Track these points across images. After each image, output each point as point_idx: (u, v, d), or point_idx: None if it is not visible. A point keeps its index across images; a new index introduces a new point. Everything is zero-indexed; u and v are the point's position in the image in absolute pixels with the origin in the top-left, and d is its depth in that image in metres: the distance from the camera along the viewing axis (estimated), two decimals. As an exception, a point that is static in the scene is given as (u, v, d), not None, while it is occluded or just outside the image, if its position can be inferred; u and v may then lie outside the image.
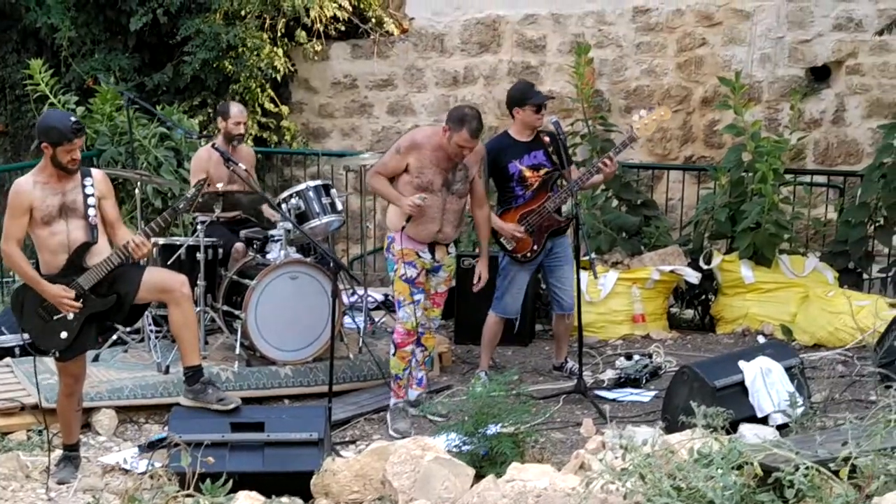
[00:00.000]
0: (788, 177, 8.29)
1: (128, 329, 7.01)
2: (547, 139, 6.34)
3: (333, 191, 6.92)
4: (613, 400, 6.26)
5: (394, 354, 6.03)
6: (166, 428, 5.62)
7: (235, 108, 7.27)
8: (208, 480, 4.23)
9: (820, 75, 9.67)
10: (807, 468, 3.35)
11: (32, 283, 5.02)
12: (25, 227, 5.00)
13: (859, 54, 9.47)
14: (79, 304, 5.00)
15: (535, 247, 6.43)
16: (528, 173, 6.38)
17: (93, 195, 5.06)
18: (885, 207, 7.64)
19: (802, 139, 8.97)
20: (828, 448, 3.54)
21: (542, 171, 6.38)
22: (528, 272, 6.55)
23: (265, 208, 7.34)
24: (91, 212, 5.04)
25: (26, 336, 6.53)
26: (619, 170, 7.83)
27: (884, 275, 8.06)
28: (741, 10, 9.63)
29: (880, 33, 8.49)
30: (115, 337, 6.82)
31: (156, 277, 5.20)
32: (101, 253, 5.06)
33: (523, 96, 6.40)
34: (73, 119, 4.98)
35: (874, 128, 9.12)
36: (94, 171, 5.20)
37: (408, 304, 5.93)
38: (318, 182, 6.92)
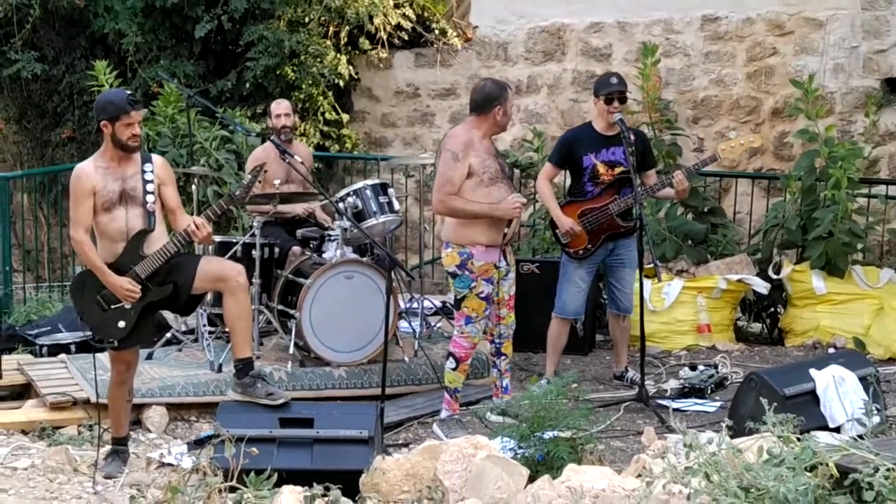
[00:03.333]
0: (863, 188, 8.00)
1: (182, 329, 6.98)
2: (633, 137, 6.12)
3: (391, 190, 6.81)
4: (677, 409, 6.02)
5: (454, 368, 5.82)
6: (216, 426, 5.53)
7: (274, 103, 7.38)
8: (252, 474, 4.10)
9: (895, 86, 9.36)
10: (888, 469, 3.12)
11: (99, 273, 4.96)
12: (91, 213, 4.95)
13: (938, 65, 9.15)
14: (138, 295, 4.93)
15: (590, 245, 6.27)
16: (601, 169, 6.23)
17: (152, 181, 5.02)
18: (964, 219, 7.33)
19: (876, 147, 8.65)
20: (909, 450, 3.31)
21: (616, 170, 6.20)
22: (585, 271, 6.37)
23: (318, 212, 7.26)
24: (149, 198, 5.00)
25: (84, 333, 6.56)
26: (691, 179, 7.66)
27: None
28: (814, 18, 9.35)
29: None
30: (168, 335, 6.77)
31: (213, 266, 5.12)
32: (158, 241, 5.01)
33: (598, 86, 6.31)
34: (128, 92, 4.98)
35: (951, 141, 8.80)
36: (154, 156, 5.17)
37: (479, 321, 5.74)
38: (376, 181, 6.84)
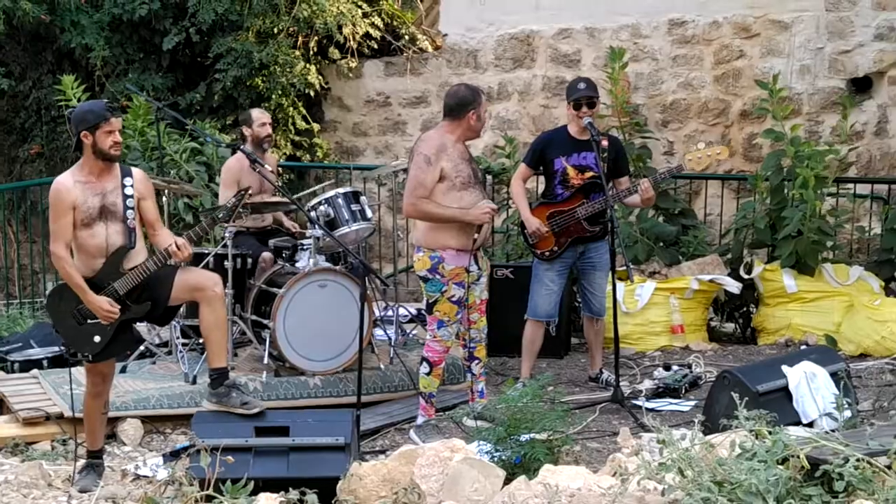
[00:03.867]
0: (830, 187, 8.08)
1: (156, 342, 6.95)
2: (606, 143, 6.19)
3: (363, 198, 6.81)
4: (652, 410, 6.05)
5: (428, 373, 5.81)
6: (191, 437, 5.50)
7: (256, 111, 7.31)
8: (229, 483, 4.09)
9: (861, 86, 9.45)
10: (857, 460, 3.15)
11: (78, 291, 4.91)
12: (71, 227, 4.89)
13: (902, 64, 9.25)
14: (116, 316, 4.91)
15: (555, 247, 6.33)
16: (571, 173, 6.29)
17: (132, 196, 4.97)
18: (932, 215, 7.41)
19: (853, 149, 8.74)
20: (879, 441, 3.34)
21: (586, 174, 6.26)
22: (555, 273, 6.41)
23: (285, 220, 7.26)
24: (130, 214, 4.96)
25: (58, 348, 6.53)
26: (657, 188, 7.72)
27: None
28: (779, 20, 9.44)
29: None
30: (142, 348, 6.74)
31: (190, 276, 5.09)
32: (137, 256, 4.98)
33: (568, 91, 6.38)
34: (105, 101, 4.95)
35: (920, 139, 8.91)
36: (134, 170, 5.12)
37: (451, 324, 5.73)
38: (348, 189, 6.83)
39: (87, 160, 4.94)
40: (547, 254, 6.37)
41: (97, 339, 4.98)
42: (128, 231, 4.96)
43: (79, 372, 5.55)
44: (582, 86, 6.32)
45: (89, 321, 4.96)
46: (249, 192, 5.34)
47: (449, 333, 5.74)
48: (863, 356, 6.91)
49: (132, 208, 4.97)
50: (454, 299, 5.65)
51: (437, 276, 5.63)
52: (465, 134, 5.66)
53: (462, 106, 5.61)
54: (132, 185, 4.99)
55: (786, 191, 7.53)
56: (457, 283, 5.63)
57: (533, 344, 6.49)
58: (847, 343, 7.06)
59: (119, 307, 4.93)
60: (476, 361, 5.94)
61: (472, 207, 5.58)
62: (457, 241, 5.59)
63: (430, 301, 5.73)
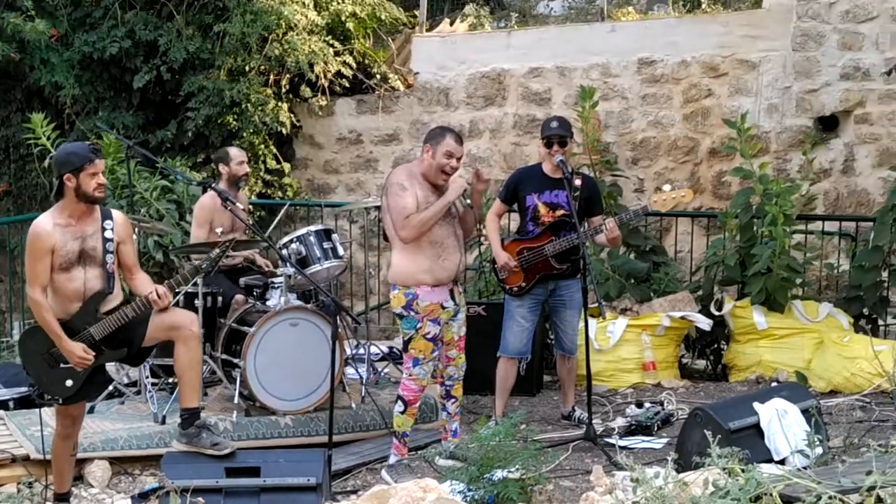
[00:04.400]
0: (799, 224, 8.16)
1: (125, 381, 6.88)
2: (579, 182, 6.23)
3: (335, 236, 6.80)
4: (624, 447, 6.04)
5: (402, 412, 5.77)
6: (160, 478, 5.44)
7: (234, 150, 7.27)
8: (199, 524, 4.05)
9: (828, 125, 9.57)
10: (830, 498, 3.16)
11: (54, 337, 4.84)
12: (49, 271, 4.82)
13: (867, 103, 9.37)
14: (91, 362, 4.85)
15: (523, 283, 6.35)
16: (542, 210, 6.32)
17: (112, 240, 4.92)
18: (898, 251, 7.49)
19: (812, 185, 8.84)
20: (851, 478, 3.35)
21: (557, 212, 6.29)
22: (526, 309, 6.41)
23: (258, 258, 7.24)
24: (109, 258, 4.91)
25: (26, 388, 6.43)
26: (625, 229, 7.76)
27: (900, 321, 7.87)
28: (747, 60, 9.57)
29: (888, 73, 8.40)
30: (110, 388, 6.66)
31: (165, 315, 5.03)
32: (114, 301, 4.93)
33: (541, 129, 6.43)
34: (88, 143, 4.90)
35: (884, 177, 9.00)
36: (115, 213, 5.07)
37: (427, 362, 5.69)
38: (320, 227, 6.82)
39: (69, 203, 4.87)
40: (515, 289, 6.38)
41: (69, 383, 4.92)
42: (106, 275, 4.92)
43: (47, 412, 5.48)
44: (554, 124, 6.37)
45: (62, 365, 4.90)
46: (231, 244, 5.31)
47: (424, 372, 5.71)
48: (833, 393, 6.93)
49: (111, 252, 4.93)
50: (429, 336, 5.63)
51: (412, 313, 5.61)
52: (424, 170, 5.62)
53: (424, 141, 5.69)
54: (112, 229, 4.95)
55: (755, 228, 7.59)
56: (431, 319, 5.61)
57: (506, 381, 6.47)
58: (817, 380, 7.09)
59: (93, 353, 4.87)
60: (452, 400, 5.92)
61: (448, 189, 5.57)
62: (431, 276, 5.58)
63: (406, 339, 5.71)
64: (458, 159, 5.64)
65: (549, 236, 6.28)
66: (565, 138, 6.33)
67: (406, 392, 5.74)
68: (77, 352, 4.82)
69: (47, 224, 4.85)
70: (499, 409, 6.46)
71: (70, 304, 4.89)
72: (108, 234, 4.92)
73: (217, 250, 5.14)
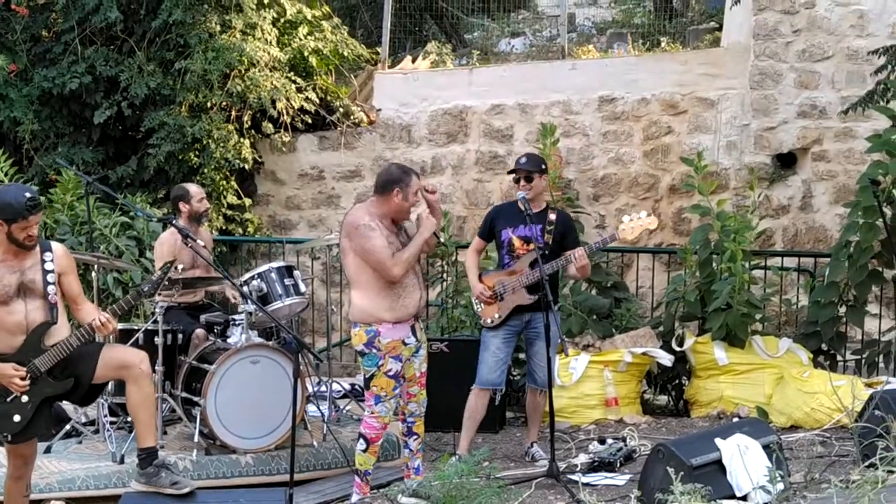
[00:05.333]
0: (758, 260, 8.24)
1: (82, 420, 6.78)
2: (553, 217, 6.38)
3: (297, 272, 6.76)
4: (587, 484, 6.02)
5: (364, 450, 5.70)
6: (119, 519, 5.35)
7: (194, 187, 7.24)
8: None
9: (786, 162, 9.73)
10: (792, 534, 3.17)
11: None
12: None
13: (824, 141, 9.55)
14: (27, 384, 4.77)
15: (497, 315, 6.38)
16: (517, 243, 6.41)
17: (52, 271, 4.87)
18: (854, 287, 7.56)
19: (763, 219, 8.95)
20: (812, 514, 3.36)
21: (530, 246, 6.33)
22: (501, 340, 6.43)
23: (228, 290, 7.19)
24: (51, 290, 4.85)
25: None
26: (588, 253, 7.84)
27: (857, 356, 7.93)
28: (706, 98, 9.72)
29: (845, 112, 8.55)
30: (68, 428, 6.57)
31: (115, 354, 4.99)
32: (59, 332, 4.86)
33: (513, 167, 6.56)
34: (28, 195, 4.79)
35: (841, 213, 9.13)
36: (54, 244, 5.01)
37: (388, 400, 5.65)
38: (281, 263, 6.78)
39: (3, 241, 4.82)
40: (490, 322, 6.42)
41: (17, 418, 4.84)
42: (49, 307, 4.86)
43: (2, 452, 5.38)
44: (523, 160, 6.51)
45: (7, 399, 4.82)
46: (176, 265, 5.26)
47: (386, 409, 5.67)
48: (793, 428, 6.96)
49: (53, 283, 4.87)
50: (391, 374, 5.61)
51: (374, 351, 5.59)
52: (391, 212, 5.64)
53: (389, 183, 5.63)
54: (52, 261, 4.90)
55: (714, 264, 7.65)
56: (393, 356, 5.59)
57: (475, 413, 6.47)
58: (778, 415, 7.13)
59: (24, 372, 4.78)
60: (414, 437, 5.88)
61: (421, 220, 5.65)
62: (392, 313, 5.56)
63: (367, 376, 5.68)
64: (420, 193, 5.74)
65: (523, 269, 6.34)
66: (531, 174, 6.40)
67: (368, 430, 5.71)
68: (7, 371, 4.74)
69: None
70: (463, 444, 6.43)
71: (13, 337, 4.83)
72: (48, 265, 4.88)
73: (159, 272, 5.10)
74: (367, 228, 5.53)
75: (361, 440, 5.71)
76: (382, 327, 5.56)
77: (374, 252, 5.50)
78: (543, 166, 6.54)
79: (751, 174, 9.06)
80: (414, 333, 5.69)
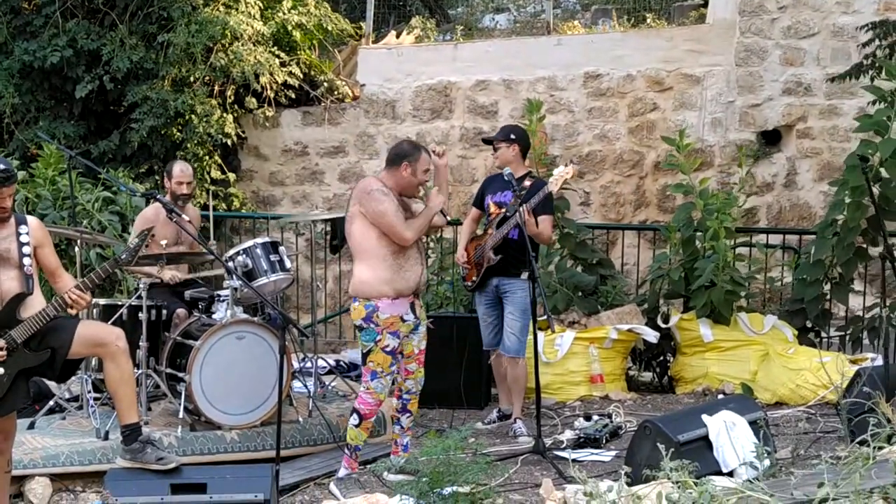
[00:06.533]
0: (742, 237, 8.25)
1: (66, 396, 6.73)
2: (527, 183, 6.59)
3: (282, 248, 6.71)
4: (573, 460, 6.01)
5: (357, 425, 5.69)
6: (104, 495, 5.33)
7: (177, 167, 7.09)
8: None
9: (771, 139, 9.72)
10: (782, 510, 3.17)
11: None
12: None
13: (809, 118, 9.54)
14: (3, 355, 4.72)
15: (475, 278, 6.72)
16: (493, 208, 6.71)
17: (28, 244, 4.83)
18: (839, 265, 7.58)
19: (750, 197, 8.97)
20: (803, 490, 3.37)
21: (501, 210, 6.57)
22: (484, 306, 6.78)
23: (216, 266, 7.15)
24: (26, 261, 4.82)
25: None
26: (573, 229, 7.86)
27: (841, 333, 7.96)
28: (691, 74, 9.69)
29: (832, 81, 8.59)
30: (51, 404, 6.52)
31: (90, 330, 4.96)
32: (35, 305, 4.82)
33: None
34: (1, 166, 4.75)
35: (825, 191, 9.15)
36: (29, 218, 4.98)
37: (385, 376, 5.64)
38: (266, 239, 6.73)
39: None
40: (469, 284, 6.81)
41: None
42: (24, 277, 4.83)
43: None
44: (497, 130, 6.96)
45: None
46: (153, 234, 5.21)
47: (382, 386, 5.65)
48: (778, 404, 7.00)
49: (28, 255, 4.84)
50: (388, 349, 5.59)
51: (372, 326, 5.58)
52: (399, 185, 5.66)
53: (398, 157, 5.68)
54: (28, 233, 4.87)
55: (696, 243, 7.67)
56: (391, 332, 5.58)
57: (496, 373, 6.97)
58: (763, 391, 7.15)
59: (3, 343, 4.74)
60: (407, 415, 5.89)
61: (429, 200, 5.75)
62: (391, 287, 5.56)
63: (364, 351, 5.67)
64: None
65: (491, 231, 6.58)
66: (497, 143, 6.74)
67: (362, 405, 5.69)
68: None
69: None
70: (501, 401, 7.01)
71: None
72: (23, 238, 4.86)
73: (136, 240, 5.06)
74: (381, 192, 5.56)
75: (355, 415, 5.70)
76: (381, 302, 5.56)
77: (387, 214, 5.52)
78: (513, 136, 6.74)
79: (740, 151, 9.05)
80: (413, 311, 5.68)
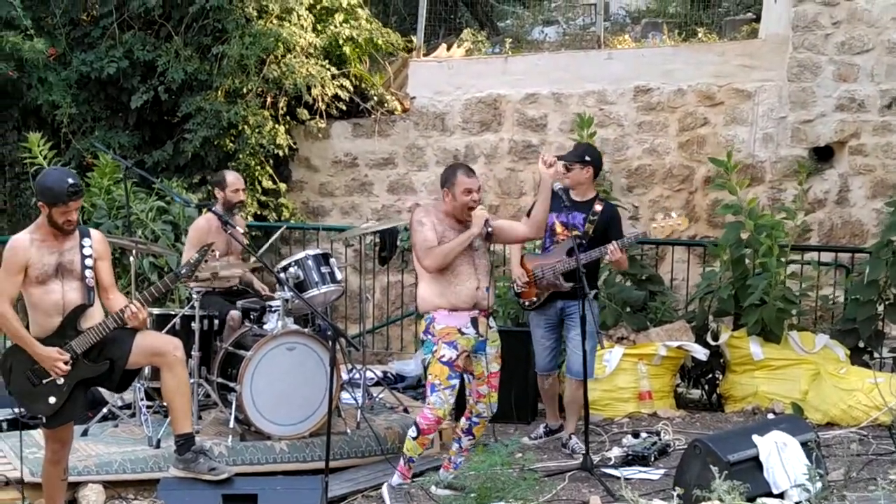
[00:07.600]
0: (794, 255, 8.17)
1: (119, 404, 6.83)
2: (598, 208, 6.53)
3: (333, 260, 6.78)
4: (621, 478, 6.01)
5: (415, 438, 5.69)
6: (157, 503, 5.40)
7: (231, 176, 7.22)
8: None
9: (823, 155, 9.62)
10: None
11: (25, 345, 4.84)
12: (19, 286, 4.84)
13: (862, 135, 9.43)
14: (68, 368, 4.82)
15: (535, 299, 6.62)
16: (559, 228, 6.58)
17: (90, 256, 4.93)
18: (894, 286, 7.49)
19: (807, 215, 8.88)
20: (857, 516, 3.34)
21: (572, 233, 6.42)
22: (543, 328, 6.68)
23: (256, 282, 7.22)
24: (88, 273, 4.92)
25: (13, 410, 6.37)
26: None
27: (894, 354, 7.87)
28: (743, 90, 9.63)
29: (888, 107, 8.48)
30: (105, 411, 6.62)
31: (149, 340, 5.04)
32: (95, 316, 4.91)
33: None
34: (70, 181, 4.84)
35: (878, 208, 9.05)
36: (92, 231, 5.09)
37: (443, 389, 5.63)
38: (318, 251, 6.79)
39: (44, 223, 4.92)
40: (527, 304, 6.67)
41: (52, 400, 4.89)
42: (86, 289, 4.92)
43: (38, 434, 5.42)
44: (569, 150, 6.79)
45: (44, 381, 4.87)
46: (213, 248, 5.29)
47: (441, 400, 5.61)
48: (829, 425, 6.92)
49: (90, 268, 4.94)
50: (444, 360, 5.61)
51: (430, 337, 5.68)
52: (448, 211, 5.75)
53: (441, 185, 5.82)
54: (90, 246, 4.98)
55: (746, 261, 7.61)
56: (447, 342, 5.61)
57: (545, 394, 6.95)
58: (814, 411, 7.08)
59: (69, 356, 4.84)
60: (470, 437, 5.90)
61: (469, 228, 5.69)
62: (445, 300, 5.65)
63: (426, 365, 5.74)
64: (477, 190, 5.75)
65: (562, 256, 6.44)
66: (569, 164, 6.54)
67: (422, 420, 5.68)
68: (51, 354, 4.82)
69: (24, 240, 4.90)
70: (549, 417, 6.98)
71: (50, 318, 4.89)
72: (86, 250, 4.96)
73: (196, 255, 5.13)
74: (418, 224, 5.71)
75: (414, 427, 5.73)
76: (438, 314, 5.66)
77: (415, 244, 5.72)
78: (587, 158, 6.60)
79: (800, 168, 8.98)
80: (475, 326, 5.68)
